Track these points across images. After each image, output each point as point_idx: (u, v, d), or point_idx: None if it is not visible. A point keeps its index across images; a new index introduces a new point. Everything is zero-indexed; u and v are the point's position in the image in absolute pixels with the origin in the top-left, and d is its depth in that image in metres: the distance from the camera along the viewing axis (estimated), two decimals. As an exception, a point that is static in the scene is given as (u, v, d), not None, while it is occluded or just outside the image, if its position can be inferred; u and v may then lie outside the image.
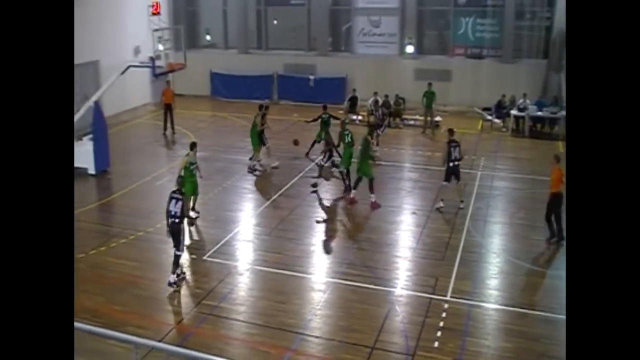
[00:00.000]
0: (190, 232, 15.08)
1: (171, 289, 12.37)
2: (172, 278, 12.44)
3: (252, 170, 19.89)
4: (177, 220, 12.32)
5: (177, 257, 12.47)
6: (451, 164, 16.40)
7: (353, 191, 17.00)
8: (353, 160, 17.45)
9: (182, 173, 15.08)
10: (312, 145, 21.03)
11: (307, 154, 21.01)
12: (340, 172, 17.85)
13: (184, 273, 12.82)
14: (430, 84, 24.94)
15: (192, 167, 15.51)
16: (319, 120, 21.14)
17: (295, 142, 20.29)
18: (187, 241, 13.56)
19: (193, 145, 15.88)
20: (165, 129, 24.46)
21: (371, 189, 16.70)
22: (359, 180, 16.90)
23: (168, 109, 24.33)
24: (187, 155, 15.68)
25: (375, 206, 16.59)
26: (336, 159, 18.28)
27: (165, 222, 12.75)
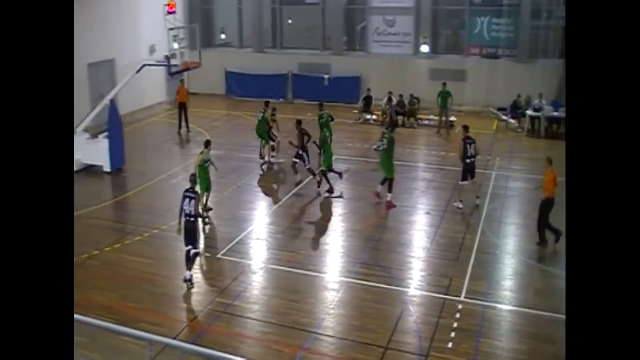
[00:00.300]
0: (204, 230, 15.11)
1: (186, 287, 12.42)
2: (188, 275, 12.46)
3: (270, 164, 20.21)
4: (192, 219, 12.34)
5: (194, 255, 12.48)
6: (468, 161, 16.36)
7: (380, 187, 16.95)
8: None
9: (197, 171, 15.16)
10: (320, 149, 20.67)
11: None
12: (310, 170, 17.94)
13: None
14: (445, 84, 24.84)
15: (206, 165, 15.59)
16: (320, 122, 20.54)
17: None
18: (201, 239, 13.53)
19: (208, 144, 15.97)
20: (180, 127, 24.55)
21: (390, 189, 16.67)
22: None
23: (183, 108, 24.43)
24: (202, 153, 15.76)
25: (390, 205, 16.56)
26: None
27: (175, 220, 12.76)
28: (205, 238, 14.87)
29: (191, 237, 12.42)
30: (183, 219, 12.43)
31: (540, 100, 24.48)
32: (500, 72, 27.39)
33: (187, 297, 12.30)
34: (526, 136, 24.28)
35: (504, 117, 25.59)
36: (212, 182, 16.02)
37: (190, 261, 12.46)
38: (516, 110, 25.20)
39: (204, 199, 15.82)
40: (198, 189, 13.34)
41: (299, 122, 18.43)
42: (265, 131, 20.24)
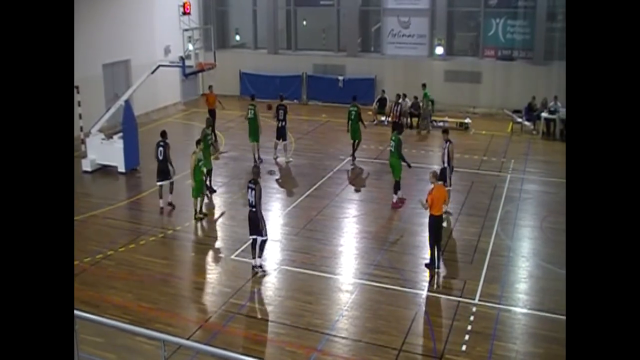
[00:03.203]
0: (215, 230, 15.14)
1: (258, 273, 12.96)
2: (258, 262, 13.01)
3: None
4: (253, 209, 12.80)
5: (262, 243, 12.97)
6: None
7: (396, 194, 16.96)
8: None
9: (192, 173, 15.31)
10: (354, 145, 20.97)
11: (353, 154, 20.89)
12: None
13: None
14: (424, 85, 25.05)
15: (200, 164, 15.64)
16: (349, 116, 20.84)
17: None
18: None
19: (198, 142, 16.03)
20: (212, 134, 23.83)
21: (395, 190, 16.82)
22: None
23: (211, 114, 23.51)
24: (194, 153, 15.73)
25: (396, 206, 16.63)
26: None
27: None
28: (219, 239, 14.94)
29: (255, 226, 12.89)
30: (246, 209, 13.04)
31: (555, 102, 24.30)
32: (515, 74, 27.25)
33: (201, 297, 12.35)
34: (541, 138, 24.11)
35: (519, 119, 25.42)
36: (226, 183, 16.03)
37: (260, 250, 13.02)
38: (531, 112, 25.03)
39: (198, 204, 15.84)
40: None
41: (163, 133, 17.38)
42: (258, 129, 20.31)
